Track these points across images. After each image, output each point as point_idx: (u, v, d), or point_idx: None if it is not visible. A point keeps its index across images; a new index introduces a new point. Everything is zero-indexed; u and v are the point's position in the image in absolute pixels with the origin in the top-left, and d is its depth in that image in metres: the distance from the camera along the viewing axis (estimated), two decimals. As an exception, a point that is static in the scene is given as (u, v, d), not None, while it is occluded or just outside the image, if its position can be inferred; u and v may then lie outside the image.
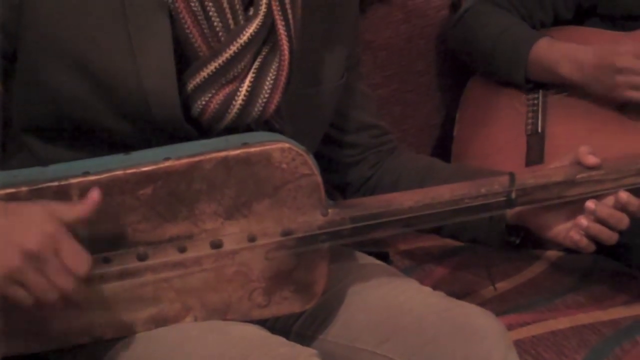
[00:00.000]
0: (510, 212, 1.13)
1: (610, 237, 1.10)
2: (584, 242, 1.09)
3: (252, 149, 0.98)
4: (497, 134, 1.53)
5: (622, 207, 1.09)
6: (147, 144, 1.00)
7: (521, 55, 1.48)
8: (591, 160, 1.09)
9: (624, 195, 1.08)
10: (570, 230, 1.10)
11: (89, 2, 0.98)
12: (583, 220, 1.09)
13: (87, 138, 1.02)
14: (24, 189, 0.94)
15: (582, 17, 1.55)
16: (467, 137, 1.56)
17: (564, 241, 1.11)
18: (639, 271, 1.37)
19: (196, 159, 0.97)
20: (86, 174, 0.95)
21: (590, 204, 1.09)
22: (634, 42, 1.43)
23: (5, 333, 0.94)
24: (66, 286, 0.88)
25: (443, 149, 1.58)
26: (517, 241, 1.16)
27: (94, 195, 0.92)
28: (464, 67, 1.59)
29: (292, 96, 1.06)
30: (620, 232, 1.11)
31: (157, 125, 1.00)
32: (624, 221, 1.10)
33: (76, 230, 0.94)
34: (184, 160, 0.97)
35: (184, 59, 1.01)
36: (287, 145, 0.99)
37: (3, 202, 0.90)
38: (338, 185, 1.24)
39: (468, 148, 1.55)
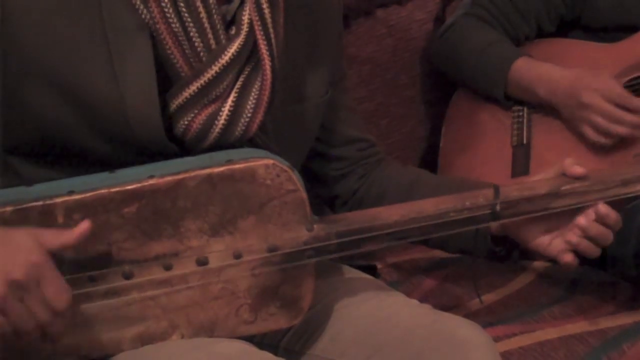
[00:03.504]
0: (495, 223, 1.13)
1: (595, 252, 1.11)
2: (570, 257, 1.10)
3: (237, 166, 0.99)
4: (483, 146, 1.54)
5: (601, 220, 1.09)
6: (131, 163, 1.00)
7: (500, 73, 1.49)
8: (577, 170, 1.10)
9: (603, 208, 1.09)
10: (553, 240, 1.11)
11: (69, 25, 0.98)
12: (573, 237, 1.09)
13: (70, 158, 1.02)
14: (8, 209, 0.94)
15: (565, 29, 1.57)
16: (453, 149, 1.57)
17: (546, 252, 1.12)
18: (625, 281, 1.38)
19: (180, 176, 0.97)
20: (71, 193, 0.95)
21: (582, 221, 1.09)
22: (608, 79, 1.43)
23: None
24: (43, 318, 0.89)
25: (429, 161, 1.59)
26: (503, 252, 1.17)
27: (84, 226, 0.92)
28: (450, 79, 1.60)
29: (276, 113, 1.06)
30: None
31: (141, 145, 1.00)
32: (609, 238, 1.11)
33: (61, 251, 0.94)
34: (168, 178, 0.97)
35: (167, 79, 1.01)
36: (271, 161, 0.99)
37: None
38: (326, 198, 1.24)
39: (454, 160, 1.56)
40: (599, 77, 1.44)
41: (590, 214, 1.09)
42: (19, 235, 0.90)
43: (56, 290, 0.89)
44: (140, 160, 1.00)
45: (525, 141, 1.51)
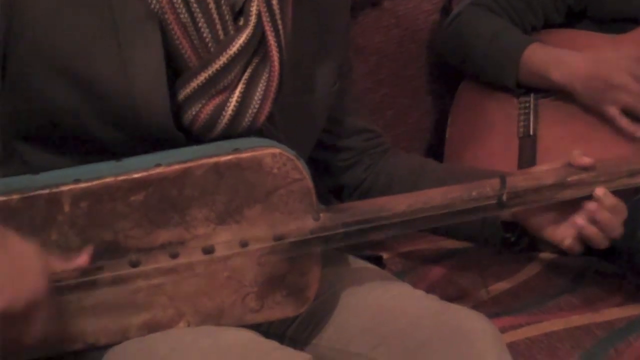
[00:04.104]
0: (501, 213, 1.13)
1: (601, 241, 1.11)
2: (572, 242, 1.10)
3: (243, 155, 0.99)
4: (489, 137, 1.54)
5: (602, 205, 1.09)
6: (138, 152, 1.00)
7: (512, 60, 1.49)
8: (584, 161, 1.10)
9: (599, 192, 1.09)
10: (560, 229, 1.11)
11: (79, 12, 0.98)
12: (579, 220, 1.10)
13: (78, 146, 1.02)
14: (15, 197, 0.94)
15: (572, 20, 1.56)
16: (460, 140, 1.57)
17: (553, 239, 1.12)
18: (632, 273, 1.38)
19: (187, 165, 0.97)
20: (77, 181, 0.95)
21: (591, 205, 1.09)
22: (632, 58, 1.43)
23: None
24: (9, 337, 0.87)
25: (435, 152, 1.59)
26: (513, 238, 1.17)
27: (84, 259, 0.92)
28: (456, 70, 1.59)
29: (284, 104, 1.06)
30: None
31: (148, 134, 1.00)
32: (616, 227, 1.10)
33: (68, 238, 0.94)
34: (175, 167, 0.97)
35: (175, 69, 1.01)
36: (277, 150, 0.99)
37: (3, 228, 0.87)
38: (333, 188, 1.24)
39: (460, 151, 1.56)
40: (626, 58, 1.43)
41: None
42: (30, 255, 0.88)
43: (37, 328, 0.87)
44: (148, 149, 1.00)
45: (531, 132, 1.51)
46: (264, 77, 1.02)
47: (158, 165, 0.97)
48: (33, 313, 0.87)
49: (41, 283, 0.87)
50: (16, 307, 0.85)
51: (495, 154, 1.52)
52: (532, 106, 1.52)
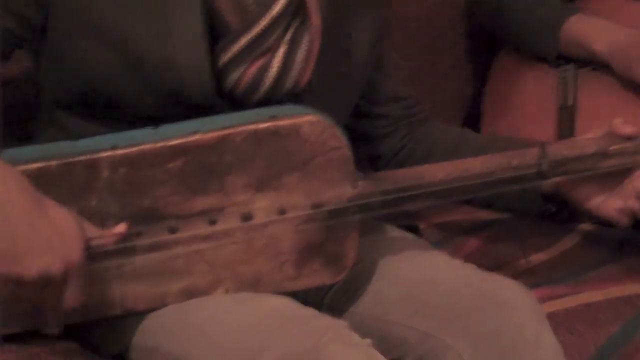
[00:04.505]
0: (546, 181, 1.11)
1: None
2: (625, 218, 1.09)
3: (281, 122, 0.98)
4: (527, 107, 1.52)
5: None
6: (177, 118, 1.00)
7: (553, 31, 1.46)
8: (627, 129, 1.09)
9: None
10: (606, 201, 1.09)
11: None
12: (629, 198, 1.08)
13: (117, 113, 1.02)
14: (54, 162, 0.95)
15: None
16: (497, 110, 1.55)
17: (598, 212, 1.10)
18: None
19: (225, 132, 0.97)
20: (115, 147, 0.96)
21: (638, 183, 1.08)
22: None
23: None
24: (49, 305, 0.90)
25: (472, 122, 1.57)
26: (553, 209, 1.16)
27: (121, 229, 0.93)
28: (494, 39, 1.57)
29: (322, 69, 1.05)
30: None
31: (189, 99, 1.00)
32: None
33: (107, 204, 0.94)
34: (214, 134, 0.97)
35: (216, 33, 1.00)
36: (316, 118, 0.99)
37: (41, 195, 0.89)
38: (369, 157, 1.23)
39: (497, 121, 1.54)
40: None
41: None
42: (67, 221, 0.89)
43: (73, 294, 0.89)
44: (186, 116, 1.00)
45: (570, 102, 1.48)
46: (305, 39, 1.01)
47: (196, 132, 0.97)
48: (69, 278, 0.88)
49: (78, 248, 0.89)
50: (53, 270, 0.87)
51: (533, 124, 1.50)
52: (571, 76, 1.50)
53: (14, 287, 0.88)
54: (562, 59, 1.49)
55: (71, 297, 0.90)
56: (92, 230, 0.92)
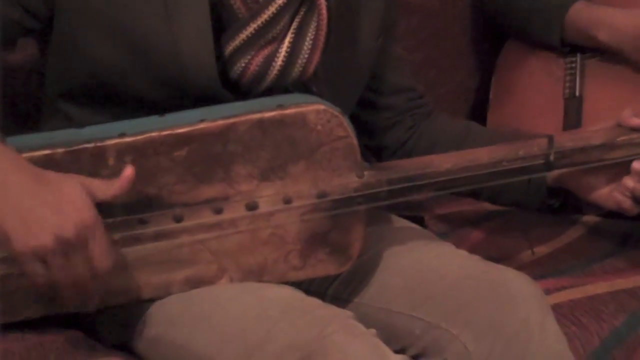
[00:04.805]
0: (551, 175, 1.11)
1: None
2: (628, 203, 1.08)
3: (287, 111, 0.98)
4: (534, 98, 1.51)
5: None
6: (183, 108, 0.99)
7: (557, 17, 1.46)
8: (635, 121, 1.08)
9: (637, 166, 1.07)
10: (613, 191, 1.09)
11: None
12: (629, 181, 1.08)
13: (122, 103, 1.02)
14: (60, 150, 0.94)
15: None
16: (503, 101, 1.54)
17: (606, 203, 1.10)
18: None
19: (231, 120, 0.97)
20: (122, 135, 0.95)
21: (637, 165, 1.07)
22: None
23: (42, 294, 0.95)
24: (83, 276, 0.89)
25: (478, 113, 1.57)
26: (557, 204, 1.15)
27: (128, 172, 0.92)
28: (500, 30, 1.57)
29: (329, 58, 1.05)
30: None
31: (193, 89, 1.00)
32: None
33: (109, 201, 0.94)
34: (219, 122, 0.97)
35: (220, 22, 1.00)
36: (322, 107, 0.98)
37: (40, 169, 0.89)
38: (374, 149, 1.23)
39: (504, 112, 1.53)
40: None
41: None
42: (70, 185, 0.89)
43: (102, 251, 0.88)
44: (192, 105, 1.00)
45: (577, 93, 1.48)
46: (312, 27, 1.01)
47: (202, 120, 0.97)
48: (90, 239, 0.87)
49: (87, 207, 0.88)
50: (68, 233, 0.86)
51: (540, 115, 1.50)
52: (578, 66, 1.49)
53: (41, 267, 0.87)
54: (567, 47, 1.49)
55: (101, 258, 0.88)
56: (99, 185, 0.91)
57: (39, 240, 0.86)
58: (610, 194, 1.10)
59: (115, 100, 1.02)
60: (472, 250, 1.29)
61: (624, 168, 1.09)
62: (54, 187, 0.88)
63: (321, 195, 1.00)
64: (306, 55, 1.01)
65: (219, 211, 0.98)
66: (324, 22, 1.01)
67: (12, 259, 0.89)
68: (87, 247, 0.88)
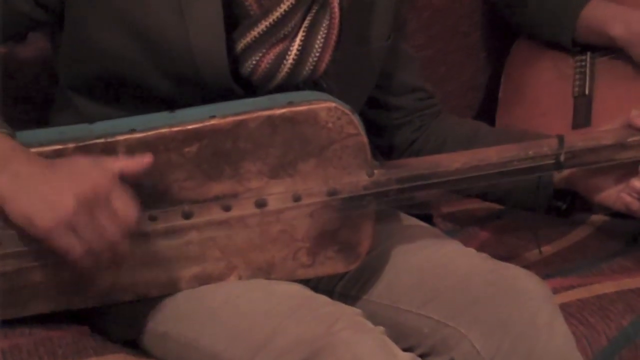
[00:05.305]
0: (558, 177, 1.11)
1: None
2: (636, 204, 1.08)
3: (298, 108, 0.98)
4: (543, 96, 1.51)
5: None
6: (194, 103, 0.99)
7: (570, 16, 1.45)
8: None
9: None
10: (622, 192, 1.09)
11: None
12: (637, 183, 1.08)
13: (133, 97, 1.02)
14: (71, 145, 0.94)
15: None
16: (512, 99, 1.54)
17: (614, 204, 1.10)
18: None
19: (241, 117, 0.97)
20: (132, 131, 0.95)
21: None
22: None
23: (51, 290, 0.95)
24: (115, 235, 0.89)
25: (487, 110, 1.56)
26: (564, 206, 1.15)
27: (147, 159, 0.92)
28: (510, 27, 1.56)
29: (340, 56, 1.05)
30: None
31: (204, 84, 1.00)
32: None
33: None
34: (230, 119, 0.97)
35: (233, 18, 1.00)
36: (333, 104, 0.98)
37: (50, 160, 0.90)
38: (382, 148, 1.23)
39: (513, 110, 1.53)
40: None
41: None
42: (82, 160, 0.91)
43: (124, 203, 0.89)
44: (202, 101, 0.99)
45: (587, 92, 1.48)
46: (324, 25, 1.01)
47: (212, 117, 0.97)
48: (110, 194, 0.88)
49: (100, 168, 0.89)
50: (85, 189, 0.87)
51: (549, 113, 1.49)
52: (588, 65, 1.49)
53: (74, 237, 0.87)
54: (577, 47, 1.48)
55: (125, 209, 0.89)
56: (115, 158, 0.92)
57: (62, 206, 0.86)
58: (618, 195, 1.10)
59: (125, 93, 1.02)
60: (480, 248, 1.28)
61: (632, 169, 1.09)
62: (65, 168, 0.89)
63: (331, 193, 1.00)
64: (317, 54, 1.01)
65: (228, 208, 0.98)
66: (336, 20, 1.01)
67: (23, 253, 0.89)
68: (110, 202, 0.88)
